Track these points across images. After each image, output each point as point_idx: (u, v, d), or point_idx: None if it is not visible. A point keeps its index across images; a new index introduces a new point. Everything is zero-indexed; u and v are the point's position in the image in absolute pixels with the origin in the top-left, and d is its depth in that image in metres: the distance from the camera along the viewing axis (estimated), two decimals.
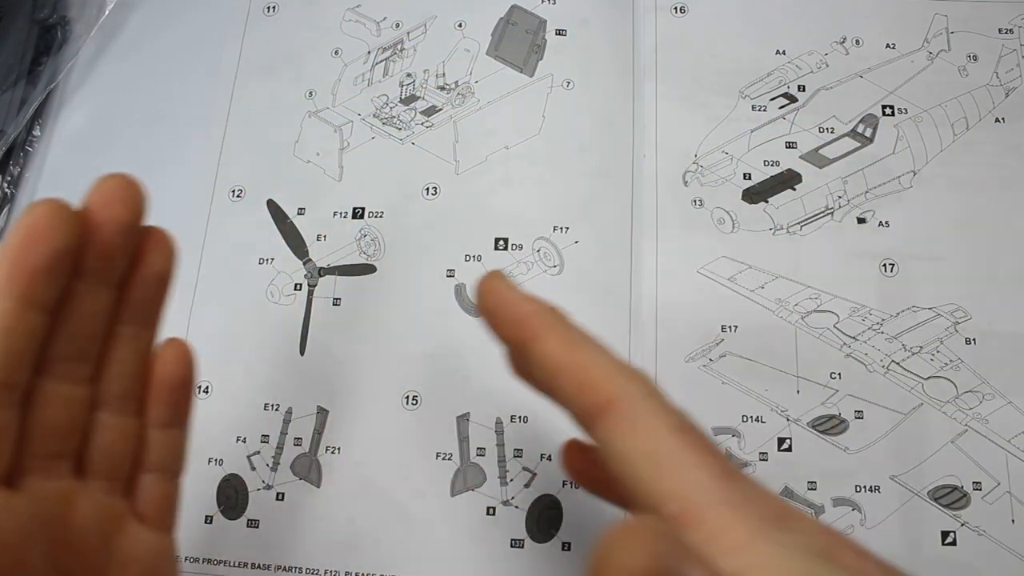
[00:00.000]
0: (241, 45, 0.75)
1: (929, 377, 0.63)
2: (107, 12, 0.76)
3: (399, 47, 0.74)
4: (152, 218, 0.69)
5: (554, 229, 0.67)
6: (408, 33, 0.74)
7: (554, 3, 0.74)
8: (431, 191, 0.69)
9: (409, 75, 0.73)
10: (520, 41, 0.73)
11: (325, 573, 0.61)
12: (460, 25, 0.74)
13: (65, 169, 0.74)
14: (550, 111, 0.71)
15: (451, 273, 0.67)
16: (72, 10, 0.78)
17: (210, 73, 0.75)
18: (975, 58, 0.71)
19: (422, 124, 0.71)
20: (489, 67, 0.73)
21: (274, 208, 0.70)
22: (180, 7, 0.78)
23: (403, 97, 0.72)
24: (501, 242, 0.67)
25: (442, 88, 0.72)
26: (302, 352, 0.66)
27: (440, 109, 0.71)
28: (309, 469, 0.63)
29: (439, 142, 0.70)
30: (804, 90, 0.71)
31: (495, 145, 0.70)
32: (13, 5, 0.76)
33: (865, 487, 0.61)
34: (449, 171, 0.70)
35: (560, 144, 0.70)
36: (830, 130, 0.69)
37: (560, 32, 0.73)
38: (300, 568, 0.62)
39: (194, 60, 0.76)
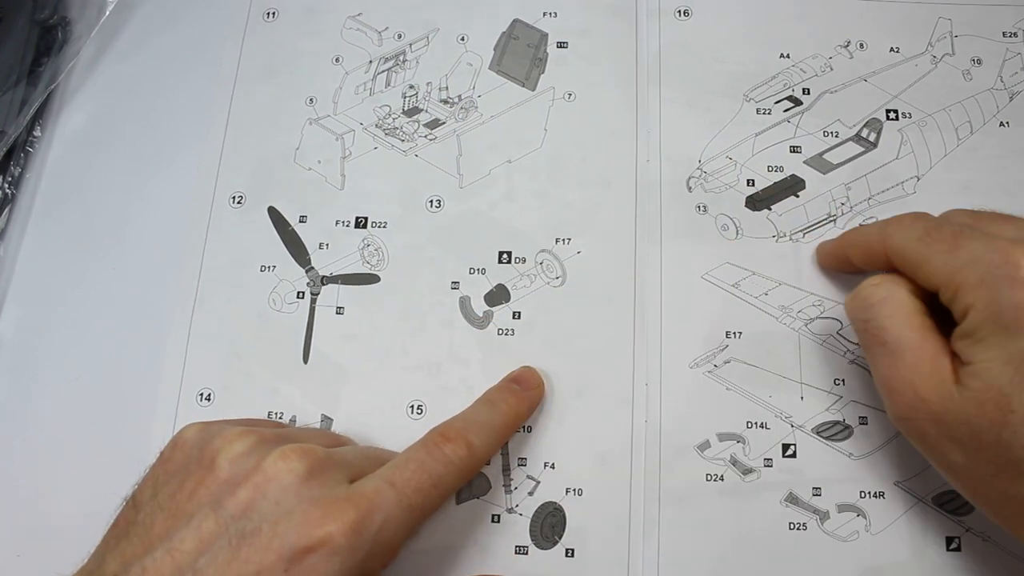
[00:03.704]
0: (241, 49, 0.75)
1: None
2: (107, 13, 0.76)
3: (401, 58, 0.74)
4: (152, 220, 0.70)
5: (556, 240, 0.67)
6: (411, 45, 0.74)
7: (555, 16, 0.74)
8: (435, 204, 0.69)
9: (412, 87, 0.73)
10: (522, 55, 0.73)
11: None
12: (463, 39, 0.74)
13: (66, 170, 0.73)
14: (552, 124, 0.71)
15: (455, 285, 0.67)
16: (72, 11, 0.78)
17: (211, 76, 0.75)
18: (979, 62, 0.71)
19: (425, 137, 0.71)
20: (492, 82, 0.73)
21: (275, 215, 0.69)
22: (181, 8, 0.78)
23: (406, 109, 0.72)
24: (504, 255, 0.67)
25: (445, 101, 0.72)
26: (305, 360, 0.66)
27: (444, 122, 0.71)
28: None
29: (443, 155, 0.70)
30: (809, 93, 0.70)
31: (498, 159, 0.70)
32: (13, 5, 0.75)
33: (870, 493, 0.61)
34: (453, 184, 0.69)
35: (562, 156, 0.70)
36: (834, 134, 0.69)
37: (561, 45, 0.73)
38: None
39: (195, 62, 0.76)
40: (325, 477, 0.51)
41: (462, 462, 0.55)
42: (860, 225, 0.65)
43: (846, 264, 0.63)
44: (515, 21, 0.74)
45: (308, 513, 0.48)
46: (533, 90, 0.72)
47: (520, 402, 0.62)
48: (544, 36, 0.74)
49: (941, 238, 0.53)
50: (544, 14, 0.74)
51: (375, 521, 0.49)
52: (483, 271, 0.67)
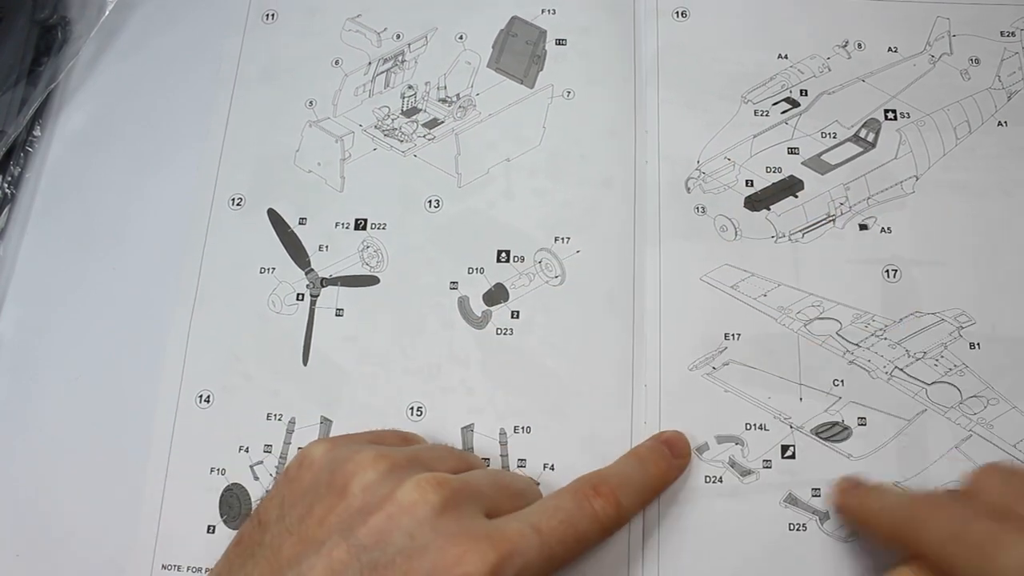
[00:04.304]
0: (240, 50, 0.75)
1: (933, 383, 0.63)
2: (107, 12, 0.76)
3: (400, 58, 0.74)
4: (152, 221, 0.70)
5: (555, 240, 0.67)
6: (409, 44, 0.74)
7: (554, 13, 0.74)
8: (433, 204, 0.69)
9: (410, 87, 0.73)
10: (521, 52, 0.73)
11: None
12: (461, 37, 0.74)
13: (65, 169, 0.74)
14: (551, 122, 0.71)
15: (454, 285, 0.67)
16: (72, 10, 0.78)
17: (211, 76, 0.75)
18: (977, 61, 0.71)
19: (424, 136, 0.71)
20: (490, 79, 0.73)
21: (275, 217, 0.70)
22: (181, 8, 0.78)
23: (404, 109, 0.72)
24: (503, 254, 0.67)
25: (443, 100, 0.72)
26: (305, 362, 0.66)
27: (442, 122, 0.71)
28: None
29: (441, 155, 0.70)
30: (806, 94, 0.71)
31: (496, 158, 0.70)
32: (13, 5, 0.75)
33: None
34: (451, 184, 0.70)
35: (561, 154, 0.70)
36: (832, 135, 0.69)
37: (560, 42, 0.73)
38: None
39: (195, 62, 0.76)
40: (461, 510, 0.50)
41: (608, 521, 0.54)
42: (882, 490, 0.60)
43: (864, 530, 0.60)
44: (513, 18, 0.74)
45: (444, 550, 0.47)
46: (532, 87, 0.72)
47: (670, 469, 0.60)
48: (543, 33, 0.74)
49: (974, 542, 0.48)
50: (543, 11, 0.74)
51: (514, 565, 0.48)
52: (481, 270, 0.67)
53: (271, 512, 0.52)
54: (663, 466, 0.60)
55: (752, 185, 0.68)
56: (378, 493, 0.49)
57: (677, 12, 0.73)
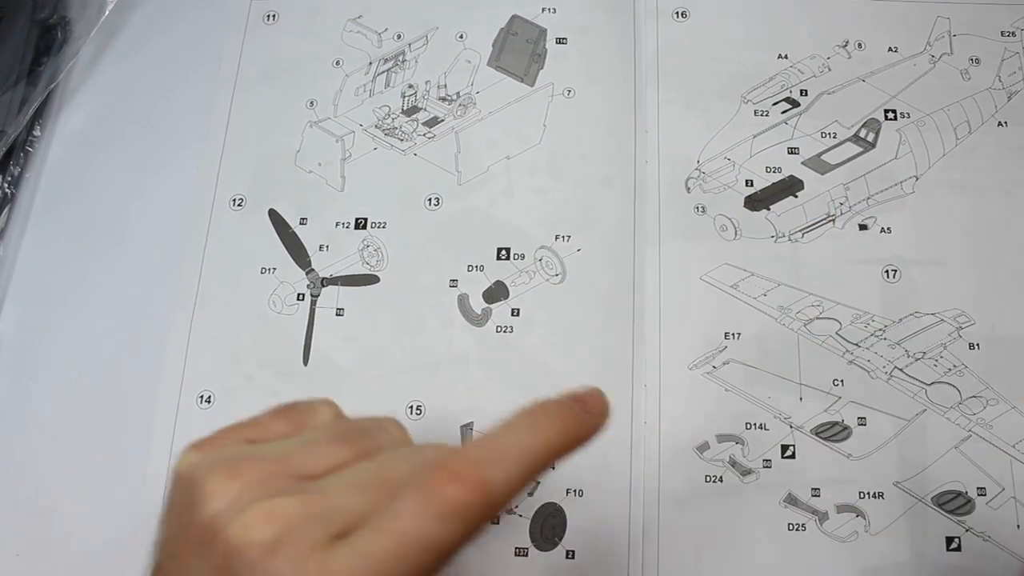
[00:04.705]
0: (240, 51, 0.75)
1: (932, 383, 0.63)
2: (107, 12, 0.76)
3: (400, 58, 0.74)
4: (152, 221, 0.70)
5: (556, 238, 0.67)
6: (410, 44, 0.74)
7: (554, 12, 0.74)
8: (433, 202, 0.69)
9: (411, 86, 0.73)
10: (521, 51, 0.73)
11: None
12: (461, 36, 0.74)
13: (66, 169, 0.74)
14: (551, 120, 0.71)
15: (454, 283, 0.67)
16: (72, 10, 0.78)
17: (211, 76, 0.75)
18: (977, 61, 0.71)
19: (424, 135, 0.71)
20: (490, 78, 0.73)
21: (276, 217, 0.70)
22: (181, 8, 0.78)
23: (405, 108, 0.72)
24: (503, 252, 0.67)
25: (444, 99, 0.72)
26: (305, 362, 0.66)
27: (442, 120, 0.71)
28: None
29: (441, 153, 0.71)
30: (806, 94, 0.71)
31: (496, 155, 0.70)
32: (13, 5, 0.75)
33: (869, 493, 0.61)
34: (451, 182, 0.70)
35: (561, 153, 0.70)
36: (832, 135, 0.69)
37: (560, 41, 0.74)
38: None
39: (195, 62, 0.76)
40: (298, 544, 0.41)
41: (471, 510, 0.39)
42: None
43: None
44: (514, 17, 0.75)
45: None
46: (532, 86, 0.72)
47: (573, 424, 0.45)
48: (543, 32, 0.74)
49: None
50: (543, 10, 0.75)
51: None
52: (481, 268, 0.67)
53: (158, 534, 0.49)
54: (560, 422, 0.44)
55: (752, 185, 0.68)
56: (217, 524, 0.42)
57: (677, 12, 0.73)
